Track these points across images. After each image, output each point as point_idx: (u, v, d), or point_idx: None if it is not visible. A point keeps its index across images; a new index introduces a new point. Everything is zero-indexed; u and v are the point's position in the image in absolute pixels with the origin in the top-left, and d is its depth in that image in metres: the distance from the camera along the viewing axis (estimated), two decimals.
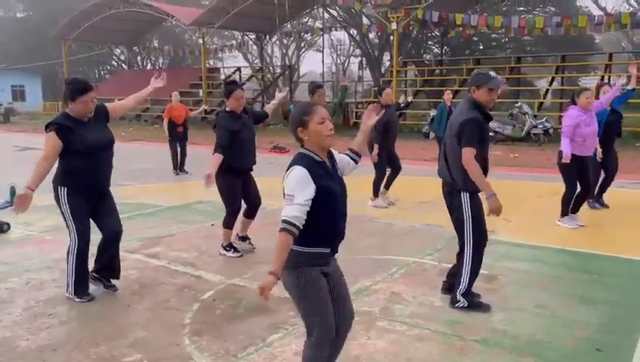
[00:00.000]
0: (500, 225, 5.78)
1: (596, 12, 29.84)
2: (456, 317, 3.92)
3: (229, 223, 5.42)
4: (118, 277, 4.50)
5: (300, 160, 2.54)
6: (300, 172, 2.47)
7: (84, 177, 4.07)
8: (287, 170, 2.53)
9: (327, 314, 2.60)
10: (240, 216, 5.50)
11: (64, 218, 4.16)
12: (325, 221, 2.55)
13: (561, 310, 4.06)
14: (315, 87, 6.47)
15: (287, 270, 2.54)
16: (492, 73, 3.86)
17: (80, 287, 4.24)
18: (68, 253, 4.20)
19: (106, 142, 4.18)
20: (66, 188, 4.08)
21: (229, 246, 5.45)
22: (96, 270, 4.44)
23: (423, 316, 3.96)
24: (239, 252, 5.45)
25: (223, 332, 3.73)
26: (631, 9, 29.69)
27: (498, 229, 5.88)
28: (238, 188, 5.34)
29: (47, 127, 4.01)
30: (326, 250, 2.62)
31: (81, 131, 4.01)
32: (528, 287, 4.52)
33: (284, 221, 2.43)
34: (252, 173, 5.47)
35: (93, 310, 4.13)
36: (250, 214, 5.57)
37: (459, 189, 3.91)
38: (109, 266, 4.40)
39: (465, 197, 3.89)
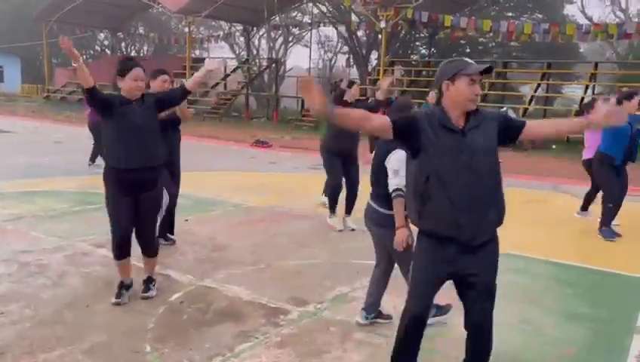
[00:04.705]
0: None
1: (582, 21, 30.07)
2: (438, 332, 3.71)
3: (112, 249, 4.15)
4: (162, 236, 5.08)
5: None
6: (403, 153, 3.09)
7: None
8: (388, 152, 3.41)
9: None
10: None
11: None
12: None
13: (546, 326, 3.88)
14: (351, 83, 6.51)
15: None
16: (465, 58, 2.78)
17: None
18: None
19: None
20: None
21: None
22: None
23: None
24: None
25: (188, 339, 3.46)
26: (617, 20, 29.95)
27: None
28: (119, 205, 3.95)
29: None
30: None
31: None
32: (512, 301, 4.30)
33: (398, 189, 3.29)
34: (155, 186, 4.06)
35: (49, 310, 3.83)
36: (142, 249, 4.18)
37: None
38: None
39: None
